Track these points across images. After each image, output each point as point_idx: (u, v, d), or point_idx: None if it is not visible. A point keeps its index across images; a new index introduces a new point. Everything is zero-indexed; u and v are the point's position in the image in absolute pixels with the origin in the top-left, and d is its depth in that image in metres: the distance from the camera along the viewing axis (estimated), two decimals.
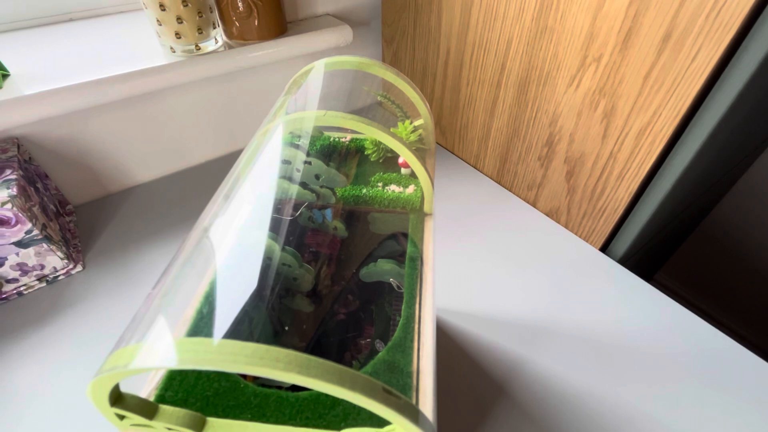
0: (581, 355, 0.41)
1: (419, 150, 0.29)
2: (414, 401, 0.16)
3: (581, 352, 0.42)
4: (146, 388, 0.17)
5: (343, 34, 0.64)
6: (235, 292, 0.16)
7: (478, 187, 0.62)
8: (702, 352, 0.42)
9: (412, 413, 0.12)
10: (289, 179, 0.22)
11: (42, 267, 0.47)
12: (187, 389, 0.17)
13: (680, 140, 0.41)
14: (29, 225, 0.43)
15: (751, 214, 0.99)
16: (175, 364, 0.11)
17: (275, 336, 0.27)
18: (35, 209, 0.45)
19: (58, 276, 0.48)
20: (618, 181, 0.46)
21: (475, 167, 0.66)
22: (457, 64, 0.59)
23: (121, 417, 0.15)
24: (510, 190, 0.61)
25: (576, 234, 0.55)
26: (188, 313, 0.15)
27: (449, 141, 0.68)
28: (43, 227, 0.46)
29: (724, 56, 0.35)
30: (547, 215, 0.57)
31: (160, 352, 0.11)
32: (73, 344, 0.43)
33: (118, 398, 0.14)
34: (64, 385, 0.39)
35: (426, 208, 0.24)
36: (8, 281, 0.45)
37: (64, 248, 0.48)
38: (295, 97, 0.25)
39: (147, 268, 0.50)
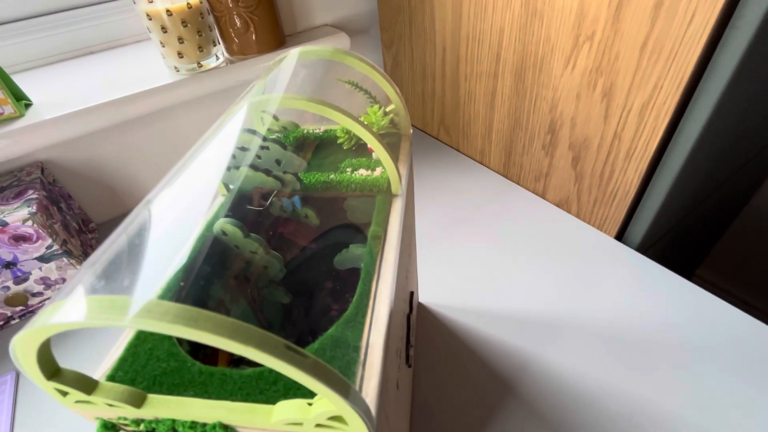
0: (599, 351, 0.39)
1: (393, 135, 0.28)
2: (359, 375, 0.16)
3: (599, 347, 0.39)
4: (101, 370, 0.17)
5: (341, 43, 0.65)
6: (171, 263, 0.16)
7: (485, 182, 0.60)
8: (736, 343, 0.38)
9: (323, 372, 0.12)
10: (250, 166, 0.22)
11: (64, 281, 0.50)
12: (136, 369, 0.17)
13: (686, 113, 0.38)
14: (49, 240, 0.46)
15: None
16: (81, 320, 0.11)
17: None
18: (56, 226, 0.48)
19: None
20: (626, 162, 0.44)
21: (481, 163, 0.64)
22: (454, 60, 0.58)
23: (64, 394, 0.15)
24: (518, 183, 0.59)
25: (588, 223, 0.52)
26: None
27: (453, 139, 0.67)
28: (64, 243, 0.48)
29: (721, 17, 0.32)
30: (557, 206, 0.55)
31: (71, 309, 0.11)
32: (95, 354, 0.45)
33: (56, 372, 0.14)
34: None
35: (393, 189, 0.24)
36: (33, 295, 0.48)
37: (84, 262, 0.51)
38: (263, 85, 0.25)
39: None
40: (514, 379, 0.37)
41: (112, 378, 0.17)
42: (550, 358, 0.39)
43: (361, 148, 0.28)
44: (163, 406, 0.15)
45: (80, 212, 0.59)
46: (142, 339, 0.18)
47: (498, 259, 0.49)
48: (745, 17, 0.32)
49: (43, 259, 0.47)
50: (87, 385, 0.15)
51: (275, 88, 0.24)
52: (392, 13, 0.66)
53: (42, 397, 0.41)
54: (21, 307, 0.48)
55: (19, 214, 0.44)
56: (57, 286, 0.49)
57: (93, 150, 0.57)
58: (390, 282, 0.19)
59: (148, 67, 0.58)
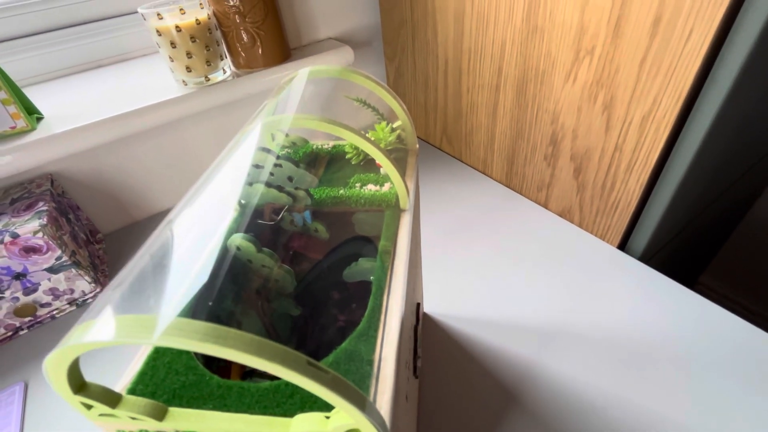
0: (602, 359, 0.39)
1: (400, 150, 0.29)
2: (373, 389, 0.16)
3: (602, 355, 0.39)
4: (120, 383, 0.18)
5: (345, 56, 0.67)
6: (193, 281, 0.17)
7: (487, 191, 0.61)
8: (738, 351, 0.38)
9: (342, 387, 0.12)
10: (263, 183, 0.23)
11: (72, 291, 0.50)
12: (156, 383, 0.18)
13: (686, 125, 0.39)
14: (59, 252, 0.47)
15: None
16: (113, 338, 0.12)
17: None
18: (65, 237, 0.49)
19: (87, 299, 0.52)
20: (627, 173, 0.44)
21: (483, 172, 0.65)
22: (456, 72, 0.59)
23: (89, 407, 0.15)
24: (520, 193, 0.60)
25: (591, 233, 0.53)
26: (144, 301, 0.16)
27: (456, 149, 0.68)
28: (73, 254, 0.49)
29: (718, 34, 0.33)
30: (559, 215, 0.56)
31: (102, 328, 0.12)
32: (101, 365, 0.45)
33: (82, 387, 0.15)
34: None
35: (401, 204, 0.25)
36: (42, 305, 0.49)
37: (92, 273, 0.52)
38: (274, 104, 0.26)
39: None
40: (517, 388, 0.38)
41: (132, 391, 0.17)
42: (554, 366, 0.39)
43: (369, 163, 0.29)
44: (183, 419, 0.15)
45: (88, 223, 0.60)
46: (161, 353, 0.18)
47: (501, 269, 0.49)
48: (742, 33, 0.33)
49: (52, 270, 0.47)
50: (111, 398, 0.15)
51: (287, 108, 0.25)
52: (395, 26, 0.67)
53: (50, 408, 0.41)
54: (29, 318, 0.49)
55: (30, 226, 0.44)
56: (65, 296, 0.50)
57: (101, 162, 0.58)
58: (400, 296, 0.20)
59: (156, 81, 0.59)
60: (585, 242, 0.51)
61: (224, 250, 0.21)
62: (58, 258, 0.47)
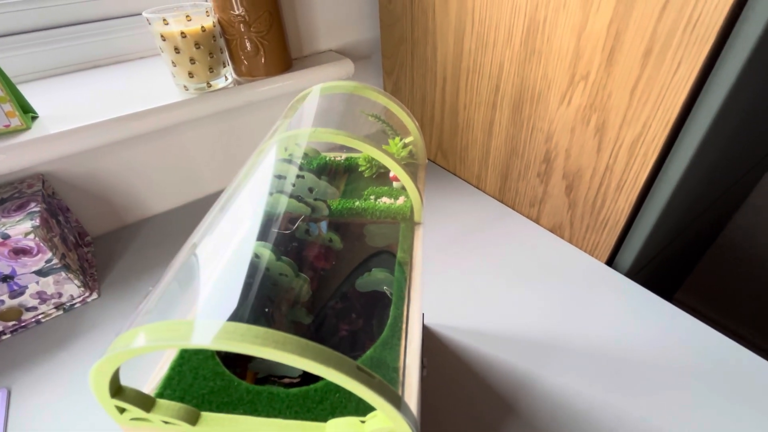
0: (591, 372, 0.40)
1: (410, 164, 0.30)
2: (400, 395, 0.17)
3: (591, 368, 0.41)
4: (147, 388, 0.18)
5: (345, 68, 0.68)
6: (230, 292, 0.17)
7: (480, 205, 0.63)
8: (721, 366, 0.40)
9: (387, 392, 0.13)
10: (284, 193, 0.23)
11: (60, 295, 0.49)
12: (184, 388, 0.18)
13: (673, 149, 0.41)
14: (49, 254, 0.45)
15: None
16: (173, 343, 0.12)
17: None
18: (56, 240, 0.48)
19: (75, 304, 0.50)
20: (617, 192, 0.47)
21: (477, 187, 0.67)
22: (454, 89, 0.61)
23: (121, 411, 0.16)
24: (512, 208, 0.62)
25: (580, 248, 0.55)
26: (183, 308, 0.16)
27: (451, 163, 0.70)
28: (63, 257, 0.48)
29: (705, 66, 0.36)
30: (550, 231, 0.58)
31: (153, 333, 0.12)
32: (88, 369, 0.44)
33: (117, 391, 0.15)
34: (78, 409, 0.40)
35: (416, 217, 0.26)
36: (28, 309, 0.47)
37: (81, 277, 0.50)
38: (291, 120, 0.27)
39: None
40: (512, 398, 0.39)
41: (160, 396, 0.17)
42: (547, 377, 0.40)
43: (381, 176, 0.30)
44: (217, 424, 0.16)
45: (77, 225, 0.59)
46: (186, 359, 0.19)
47: (493, 282, 0.50)
48: (726, 67, 0.35)
49: (41, 273, 0.46)
50: (146, 402, 0.15)
51: (302, 122, 0.25)
52: (394, 42, 0.69)
53: (35, 416, 0.40)
54: (13, 322, 0.47)
55: (21, 227, 0.43)
56: (52, 300, 0.49)
57: (95, 164, 0.57)
58: (419, 306, 0.21)
59: (155, 84, 0.59)
60: (575, 257, 0.53)
61: (250, 260, 0.22)
62: (48, 260, 0.46)
